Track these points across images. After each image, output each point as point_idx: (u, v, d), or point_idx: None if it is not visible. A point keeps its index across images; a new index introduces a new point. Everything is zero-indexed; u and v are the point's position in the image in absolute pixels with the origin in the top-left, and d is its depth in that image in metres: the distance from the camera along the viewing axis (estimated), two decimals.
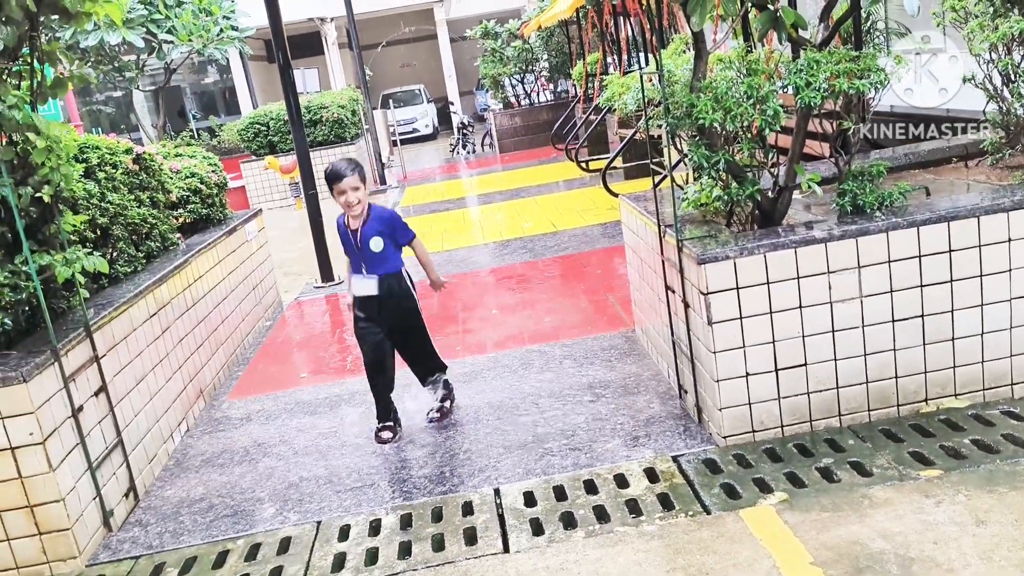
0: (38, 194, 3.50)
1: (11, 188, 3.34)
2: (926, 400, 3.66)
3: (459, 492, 3.59)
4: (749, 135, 3.68)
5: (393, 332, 4.23)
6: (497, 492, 3.54)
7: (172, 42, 12.58)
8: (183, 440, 4.63)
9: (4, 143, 3.42)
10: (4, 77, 3.50)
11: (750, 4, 3.75)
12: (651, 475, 3.49)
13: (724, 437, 3.61)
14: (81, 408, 3.56)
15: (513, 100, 19.38)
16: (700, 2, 3.39)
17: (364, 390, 4.75)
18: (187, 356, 4.93)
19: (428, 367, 4.41)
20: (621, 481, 3.48)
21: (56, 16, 3.73)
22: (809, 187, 3.69)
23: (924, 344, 3.59)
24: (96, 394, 3.74)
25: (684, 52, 9.02)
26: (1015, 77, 4.11)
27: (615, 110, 10.04)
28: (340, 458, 4.11)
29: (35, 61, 3.66)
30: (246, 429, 4.67)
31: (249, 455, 4.31)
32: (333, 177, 3.95)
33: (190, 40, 12.72)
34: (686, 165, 4.26)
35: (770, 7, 3.68)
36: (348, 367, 5.49)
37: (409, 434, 4.27)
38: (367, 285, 4.11)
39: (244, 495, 3.86)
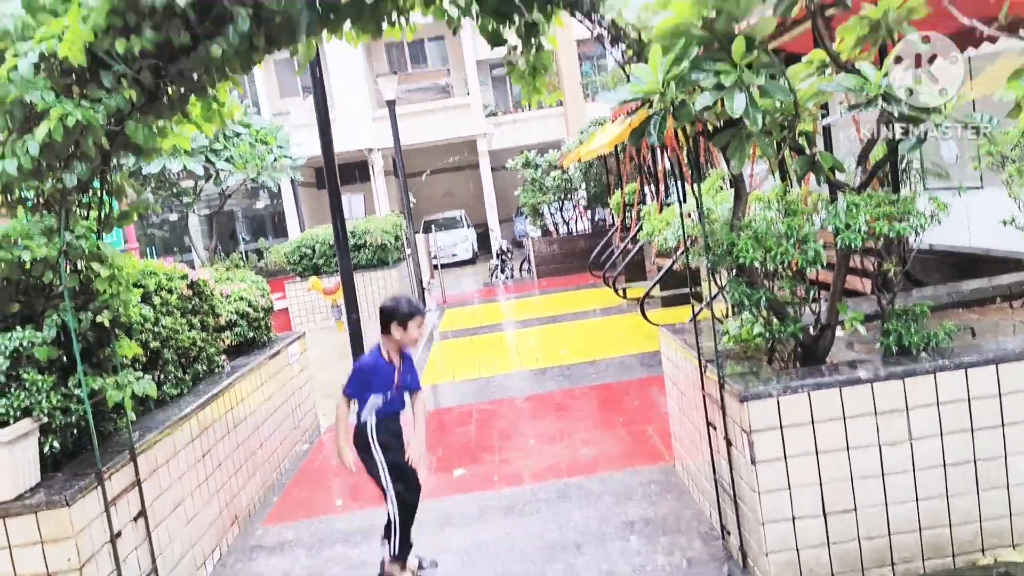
0: (97, 318, 3.63)
1: (72, 314, 3.47)
2: (982, 551, 3.50)
3: None
4: (790, 272, 3.72)
5: None
6: None
7: (229, 170, 13.18)
8: (215, 569, 4.56)
9: (69, 271, 3.58)
10: (75, 208, 3.71)
11: (788, 148, 3.87)
12: None
13: None
14: (120, 534, 3.56)
15: (551, 228, 19.81)
16: (739, 148, 3.52)
17: None
18: (225, 480, 4.93)
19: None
20: None
21: (128, 152, 3.98)
22: (852, 326, 3.69)
23: (978, 491, 3.47)
24: (135, 519, 3.74)
25: (721, 188, 9.24)
26: None
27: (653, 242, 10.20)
28: None
29: (104, 193, 3.89)
30: (278, 559, 4.60)
31: None
32: (415, 311, 3.96)
33: (246, 168, 13.32)
34: (725, 299, 4.30)
35: (808, 151, 3.80)
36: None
37: (444, 568, 4.16)
38: (396, 421, 4.10)
39: None
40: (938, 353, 3.55)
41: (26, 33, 3.46)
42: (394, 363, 4.03)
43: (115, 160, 3.94)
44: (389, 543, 4.03)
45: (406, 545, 4.05)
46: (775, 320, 3.74)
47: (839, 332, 4.13)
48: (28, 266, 3.42)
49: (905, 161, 5.36)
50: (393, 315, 3.94)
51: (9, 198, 3.63)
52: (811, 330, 3.84)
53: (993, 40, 3.98)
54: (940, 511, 3.47)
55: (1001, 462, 3.46)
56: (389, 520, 4.01)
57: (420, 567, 4.18)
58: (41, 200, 3.63)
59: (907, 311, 3.70)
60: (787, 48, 6.00)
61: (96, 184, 3.82)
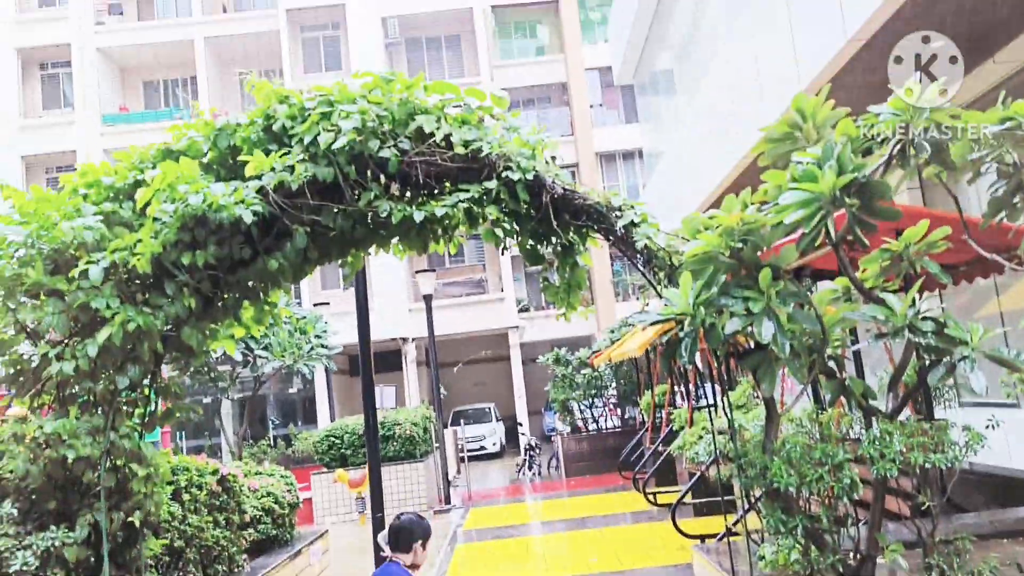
0: (129, 519, 3.65)
1: (105, 514, 3.50)
2: None
3: None
4: (827, 499, 3.66)
5: None
6: None
7: (267, 357, 13.51)
8: None
9: (108, 469, 3.66)
10: (123, 408, 3.84)
11: (818, 370, 3.94)
12: None
13: None
14: None
15: (581, 424, 19.66)
16: (768, 370, 3.59)
17: None
18: None
19: None
20: None
21: (179, 353, 4.16)
22: (893, 558, 3.57)
23: None
24: None
25: (752, 396, 9.24)
26: None
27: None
28: None
29: (152, 392, 4.04)
30: None
31: None
32: (430, 530, 3.86)
33: (283, 356, 13.64)
34: (759, 517, 4.21)
35: (838, 374, 3.87)
36: None
37: None
38: None
39: None
40: None
41: (101, 244, 3.75)
42: None
43: (167, 360, 4.12)
44: None
45: None
46: (813, 548, 3.64)
47: (879, 560, 3.99)
48: (70, 464, 3.51)
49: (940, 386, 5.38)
50: (418, 533, 3.80)
51: (61, 396, 3.78)
52: (850, 560, 3.73)
53: (1015, 269, 4.13)
54: None
55: None
56: None
57: None
58: (92, 399, 3.77)
59: (949, 543, 3.59)
60: (814, 265, 6.23)
61: (145, 383, 3.98)
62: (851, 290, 4.01)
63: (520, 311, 27.80)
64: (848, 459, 3.52)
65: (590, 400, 19.60)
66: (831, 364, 3.91)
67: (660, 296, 4.02)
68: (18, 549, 3.28)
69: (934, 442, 3.45)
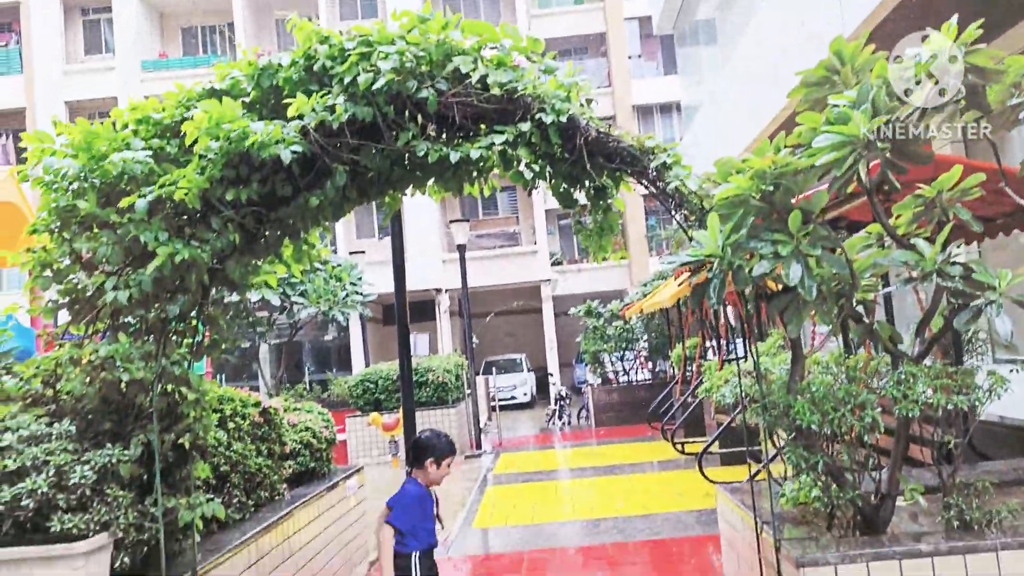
0: (179, 440, 3.85)
1: (157, 435, 3.70)
2: None
3: None
4: (848, 438, 3.75)
5: None
6: None
7: (303, 303, 13.77)
8: None
9: (160, 393, 3.85)
10: (173, 337, 4.02)
11: (846, 314, 3.99)
12: None
13: None
14: None
15: (611, 376, 19.82)
16: (796, 314, 3.66)
17: None
18: None
19: None
20: None
21: (224, 287, 4.33)
22: (912, 497, 3.66)
23: None
24: None
25: (782, 347, 9.28)
26: None
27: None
28: None
29: (199, 324, 4.21)
30: None
31: None
32: (452, 450, 4.10)
33: (319, 302, 13.90)
34: (783, 460, 4.31)
35: (866, 319, 3.92)
36: None
37: None
38: (432, 556, 4.13)
39: None
40: (1001, 530, 3.49)
41: (150, 179, 3.89)
42: (433, 495, 4.14)
43: (213, 292, 4.29)
44: None
45: None
46: (834, 486, 3.74)
47: (899, 502, 4.08)
48: (124, 387, 3.70)
49: (971, 332, 5.38)
50: (432, 450, 4.07)
51: (115, 323, 3.97)
52: (871, 498, 3.82)
53: None
54: None
55: None
56: None
57: None
58: (143, 327, 3.95)
59: (969, 486, 3.66)
60: (850, 216, 6.21)
61: (193, 314, 4.16)
62: (884, 237, 4.04)
63: (553, 264, 27.87)
64: (871, 399, 3.59)
65: (621, 352, 19.72)
66: (860, 309, 3.96)
67: (690, 239, 4.07)
68: (76, 464, 3.49)
69: (958, 385, 3.50)
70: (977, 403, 3.50)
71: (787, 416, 3.69)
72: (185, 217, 4.01)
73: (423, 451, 4.08)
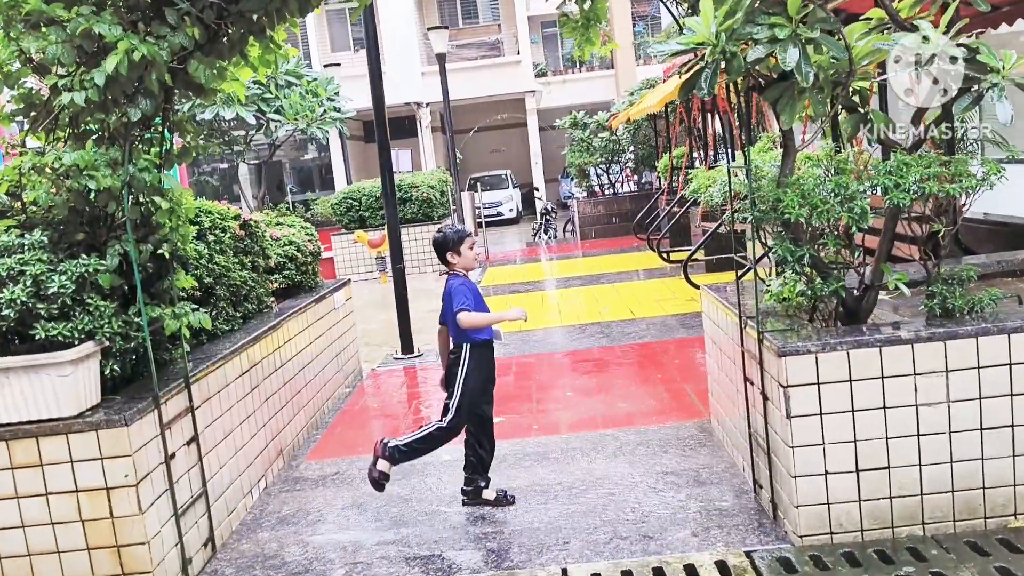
0: (158, 251, 3.77)
1: (134, 245, 3.62)
2: (1015, 514, 3.51)
3: (526, 569, 3.59)
4: (835, 232, 3.71)
5: None
6: (565, 572, 3.53)
7: (279, 121, 13.34)
8: (261, 497, 4.76)
9: (131, 203, 3.72)
10: (138, 144, 3.84)
11: (840, 106, 3.84)
12: (723, 568, 3.43)
13: (800, 536, 3.53)
14: (173, 455, 3.74)
15: (597, 189, 19.72)
16: (790, 103, 3.50)
17: (437, 461, 4.84)
18: (271, 415, 5.11)
19: None
20: (691, 571, 3.43)
21: (189, 91, 4.09)
22: (896, 287, 3.67)
23: (1014, 455, 3.47)
24: (188, 443, 3.92)
25: (771, 149, 9.11)
26: None
27: (699, 203, 10.14)
28: (411, 526, 4.17)
29: (165, 130, 4.02)
30: (321, 491, 4.78)
31: (323, 516, 4.41)
32: (463, 234, 4.24)
33: (296, 119, 13.47)
34: (770, 260, 4.31)
35: (860, 109, 3.77)
36: None
37: (481, 509, 4.30)
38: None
39: (316, 556, 3.95)
40: (982, 317, 3.53)
41: None
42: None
43: (177, 96, 4.06)
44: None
45: (411, 453, 4.29)
46: (818, 279, 3.74)
47: (883, 295, 4.12)
48: (93, 196, 3.57)
49: (964, 128, 5.24)
50: (445, 244, 4.23)
51: (76, 130, 3.77)
52: (855, 291, 3.84)
53: None
54: (975, 474, 3.48)
55: None
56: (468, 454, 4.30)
57: (504, 497, 4.34)
58: (106, 134, 3.76)
59: (953, 275, 3.67)
60: (848, 9, 5.88)
61: (158, 121, 3.95)
62: (885, 24, 3.80)
63: (537, 76, 26.96)
64: (861, 191, 3.52)
65: (607, 165, 19.51)
66: (855, 99, 3.80)
67: (682, 29, 3.83)
68: (53, 272, 3.42)
69: (952, 173, 3.42)
70: (971, 191, 3.43)
71: (775, 210, 3.63)
72: (139, 13, 3.71)
73: (439, 249, 4.27)
